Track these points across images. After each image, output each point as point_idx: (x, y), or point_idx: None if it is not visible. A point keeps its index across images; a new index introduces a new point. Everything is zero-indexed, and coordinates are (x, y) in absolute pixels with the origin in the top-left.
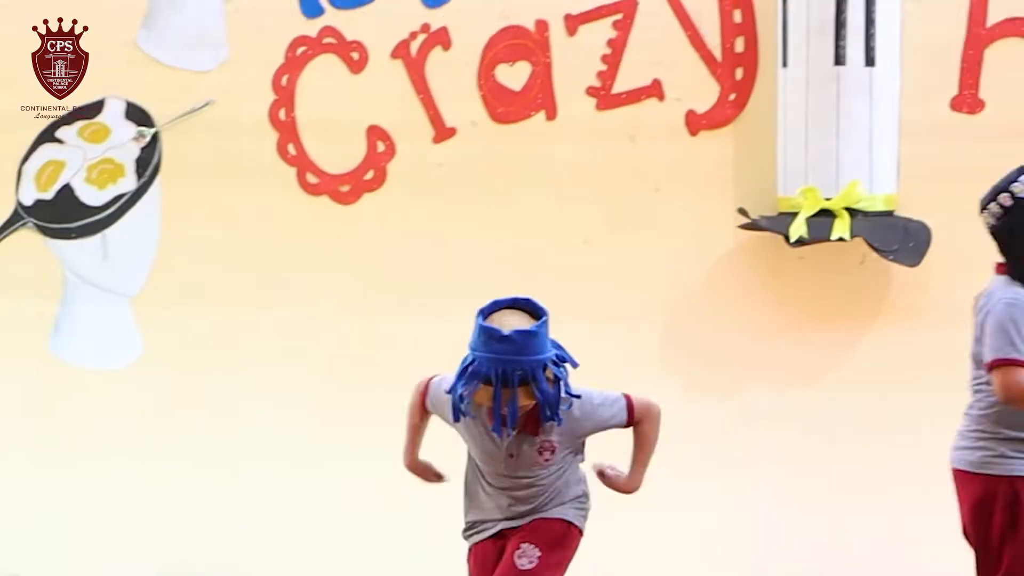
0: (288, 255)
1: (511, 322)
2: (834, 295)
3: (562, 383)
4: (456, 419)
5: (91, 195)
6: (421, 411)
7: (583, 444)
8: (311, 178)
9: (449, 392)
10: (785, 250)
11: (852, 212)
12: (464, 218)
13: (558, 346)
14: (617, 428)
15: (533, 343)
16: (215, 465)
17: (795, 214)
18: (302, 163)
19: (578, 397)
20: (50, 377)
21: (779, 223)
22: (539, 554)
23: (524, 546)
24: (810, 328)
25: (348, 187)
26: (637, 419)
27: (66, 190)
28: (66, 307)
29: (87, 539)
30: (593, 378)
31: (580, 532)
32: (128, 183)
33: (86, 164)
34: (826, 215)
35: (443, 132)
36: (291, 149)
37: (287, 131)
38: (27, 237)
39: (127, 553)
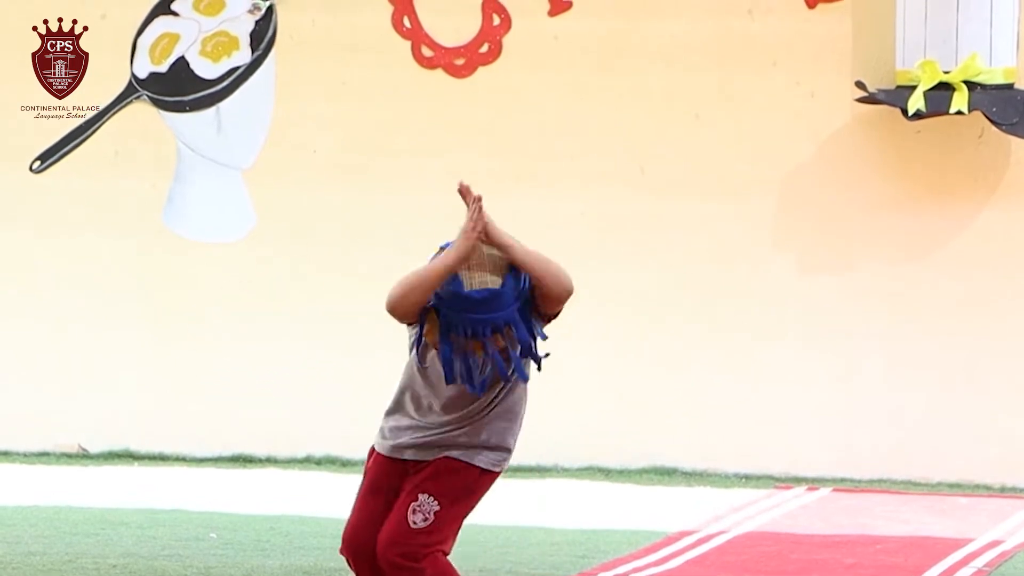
0: (401, 129)
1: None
2: (951, 170)
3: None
4: (418, 353)
5: (205, 68)
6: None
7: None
8: (426, 51)
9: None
10: (902, 124)
11: (971, 85)
12: (578, 92)
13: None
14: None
15: (502, 299)
16: (327, 337)
17: (913, 87)
18: (417, 36)
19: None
20: (163, 250)
21: (897, 96)
22: (437, 509)
23: (422, 498)
24: (926, 203)
25: (463, 60)
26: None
27: (180, 63)
28: (180, 180)
29: (199, 411)
30: (706, 255)
31: (494, 476)
32: (242, 56)
33: (201, 37)
34: (944, 88)
35: (559, 5)
36: (406, 22)
37: (402, 4)
38: (141, 110)
39: (238, 424)
